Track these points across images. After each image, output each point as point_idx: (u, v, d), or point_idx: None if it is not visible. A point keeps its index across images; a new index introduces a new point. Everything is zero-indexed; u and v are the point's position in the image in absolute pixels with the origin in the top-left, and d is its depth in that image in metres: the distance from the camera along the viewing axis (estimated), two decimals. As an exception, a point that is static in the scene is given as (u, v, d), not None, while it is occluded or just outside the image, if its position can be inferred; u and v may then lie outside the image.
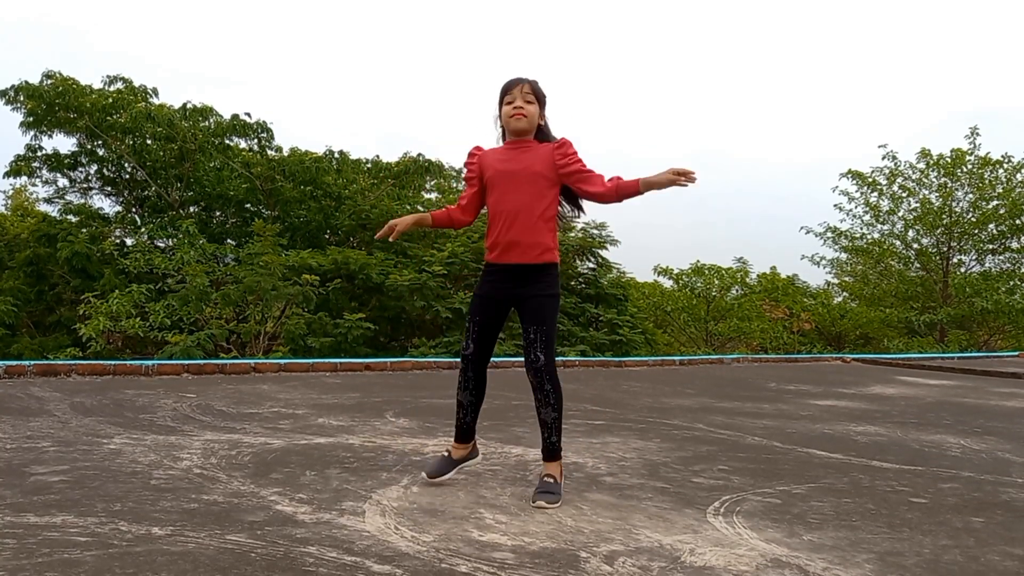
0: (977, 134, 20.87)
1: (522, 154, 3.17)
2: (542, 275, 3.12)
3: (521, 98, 3.12)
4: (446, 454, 3.31)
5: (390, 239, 3.26)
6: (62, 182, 18.41)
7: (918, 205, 21.48)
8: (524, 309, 3.13)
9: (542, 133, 3.23)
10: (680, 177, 2.95)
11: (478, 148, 3.30)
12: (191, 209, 17.96)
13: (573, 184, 3.15)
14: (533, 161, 3.14)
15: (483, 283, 3.23)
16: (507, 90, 3.16)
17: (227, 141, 17.86)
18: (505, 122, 3.18)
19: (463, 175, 3.32)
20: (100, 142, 17.21)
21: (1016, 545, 2.78)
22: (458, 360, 3.82)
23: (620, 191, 3.08)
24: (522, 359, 3.36)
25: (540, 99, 3.18)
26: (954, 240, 21.48)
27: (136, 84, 17.59)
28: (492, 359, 3.38)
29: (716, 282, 21.33)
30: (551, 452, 3.18)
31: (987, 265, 21.97)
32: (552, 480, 3.11)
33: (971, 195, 21.11)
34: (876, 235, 22.18)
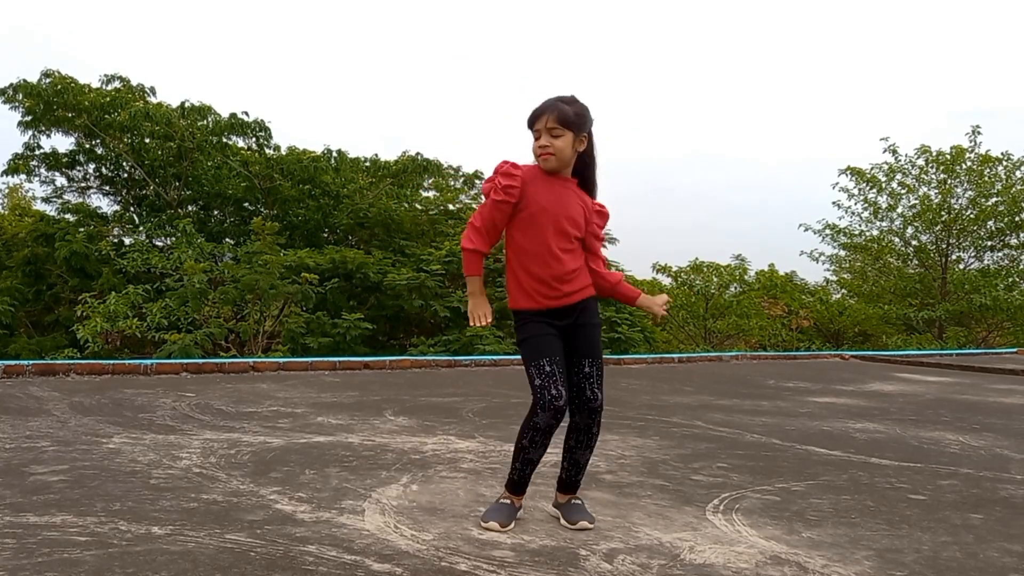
0: (979, 133, 20.90)
1: (565, 192, 2.78)
2: (590, 303, 2.83)
3: (546, 134, 2.70)
4: (508, 502, 2.82)
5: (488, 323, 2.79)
6: (60, 181, 18.40)
7: (917, 202, 21.49)
8: (576, 338, 2.77)
9: (583, 163, 2.83)
10: (661, 305, 2.87)
11: (514, 166, 2.76)
12: (189, 208, 17.95)
13: (586, 246, 2.85)
14: (576, 207, 2.79)
15: (535, 323, 2.76)
16: (530, 125, 2.76)
17: (225, 140, 17.85)
18: (536, 159, 2.78)
19: (492, 193, 2.75)
20: (98, 141, 17.19)
21: (1014, 541, 2.78)
22: (456, 359, 3.75)
23: (617, 291, 2.90)
24: (520, 356, 3.13)
25: (570, 124, 2.70)
26: (953, 237, 21.49)
27: (134, 83, 17.57)
28: (493, 357, 3.32)
29: (715, 279, 21.34)
30: (576, 487, 2.90)
31: (986, 262, 22.00)
32: (580, 502, 2.89)
33: (970, 192, 21.13)
34: (875, 232, 22.21)
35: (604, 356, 3.17)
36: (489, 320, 2.78)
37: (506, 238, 2.82)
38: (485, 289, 2.84)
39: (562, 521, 2.81)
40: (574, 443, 2.82)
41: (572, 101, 2.75)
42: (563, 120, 2.69)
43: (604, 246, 2.96)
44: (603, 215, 2.90)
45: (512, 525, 2.73)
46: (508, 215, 2.74)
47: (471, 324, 2.84)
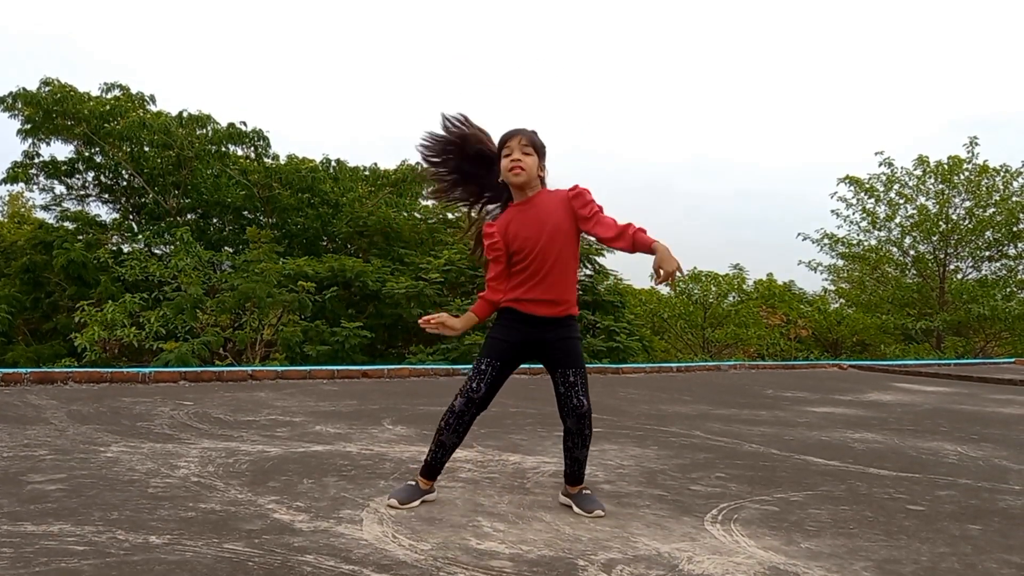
0: (976, 144, 20.98)
1: (538, 212, 3.03)
2: (569, 321, 3.06)
3: (519, 150, 3.00)
4: (414, 483, 3.11)
5: (434, 331, 3.08)
6: (59, 189, 18.44)
7: (915, 212, 21.55)
8: (556, 351, 3.02)
9: (542, 185, 3.12)
10: (664, 273, 2.83)
11: (491, 224, 3.11)
12: (188, 216, 17.98)
13: (586, 229, 3.03)
14: (552, 217, 3.01)
15: (502, 326, 3.07)
16: (503, 144, 3.04)
17: (224, 149, 17.89)
18: (504, 175, 3.05)
19: (482, 253, 3.13)
20: (97, 149, 17.23)
21: (1013, 552, 2.78)
22: (455, 367, 3.78)
23: (636, 243, 2.93)
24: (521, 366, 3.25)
25: (539, 150, 3.05)
26: (951, 247, 21.55)
27: (134, 91, 17.62)
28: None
29: (713, 289, 21.39)
30: (580, 479, 3.15)
31: (983, 272, 22.05)
32: (589, 492, 3.16)
33: (968, 202, 21.19)
34: (873, 241, 22.26)
35: (603, 365, 3.32)
36: (433, 322, 3.04)
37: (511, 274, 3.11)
38: (468, 323, 3.10)
39: (576, 510, 3.05)
40: (571, 444, 3.08)
41: (534, 132, 3.09)
42: (533, 143, 3.04)
43: (606, 212, 3.06)
44: (579, 195, 3.05)
45: (415, 504, 3.02)
46: (503, 264, 3.08)
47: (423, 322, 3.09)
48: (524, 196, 3.07)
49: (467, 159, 3.19)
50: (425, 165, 3.28)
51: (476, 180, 3.22)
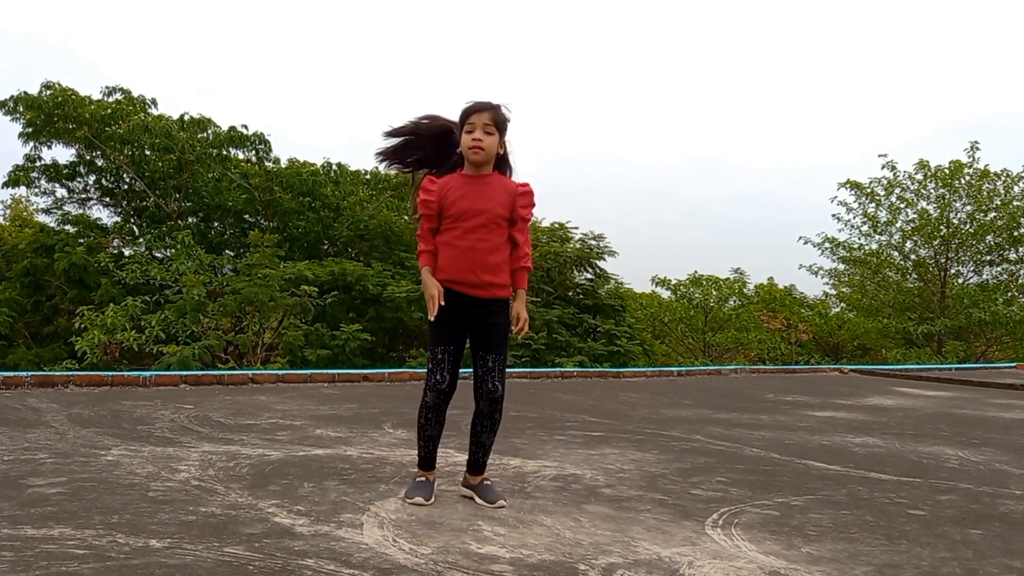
0: (977, 148, 20.98)
1: (483, 189, 3.06)
2: (501, 304, 3.11)
3: (481, 129, 3.00)
4: (424, 480, 3.20)
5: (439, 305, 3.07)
6: (60, 192, 18.46)
7: (916, 216, 21.54)
8: (483, 335, 3.09)
9: (502, 161, 3.15)
10: (522, 319, 3.11)
11: (432, 181, 3.12)
12: (190, 219, 17.99)
13: (511, 229, 3.10)
14: (496, 202, 3.05)
15: (443, 309, 3.05)
16: (466, 117, 3.04)
17: (225, 152, 17.91)
18: (464, 151, 3.06)
19: (417, 207, 3.15)
20: (99, 152, 17.25)
21: (1014, 557, 2.78)
22: None
23: (517, 272, 3.14)
24: (518, 369, 3.31)
25: (501, 127, 3.05)
26: (952, 251, 21.54)
27: (135, 95, 17.64)
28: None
29: (714, 293, 21.37)
30: (482, 468, 3.24)
31: (984, 276, 22.03)
32: (489, 482, 3.24)
33: (969, 206, 21.19)
34: (874, 246, 22.25)
35: (604, 369, 3.35)
36: (437, 300, 3.03)
37: (437, 238, 3.14)
38: (434, 275, 3.11)
39: (478, 501, 3.14)
40: (479, 428, 3.15)
41: (502, 106, 3.07)
42: (497, 121, 3.04)
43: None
44: (525, 195, 3.12)
45: (433, 500, 3.11)
46: (435, 224, 3.11)
47: (430, 313, 3.06)
48: (477, 171, 3.10)
49: (427, 144, 3.23)
50: (391, 171, 3.33)
51: (437, 156, 3.24)
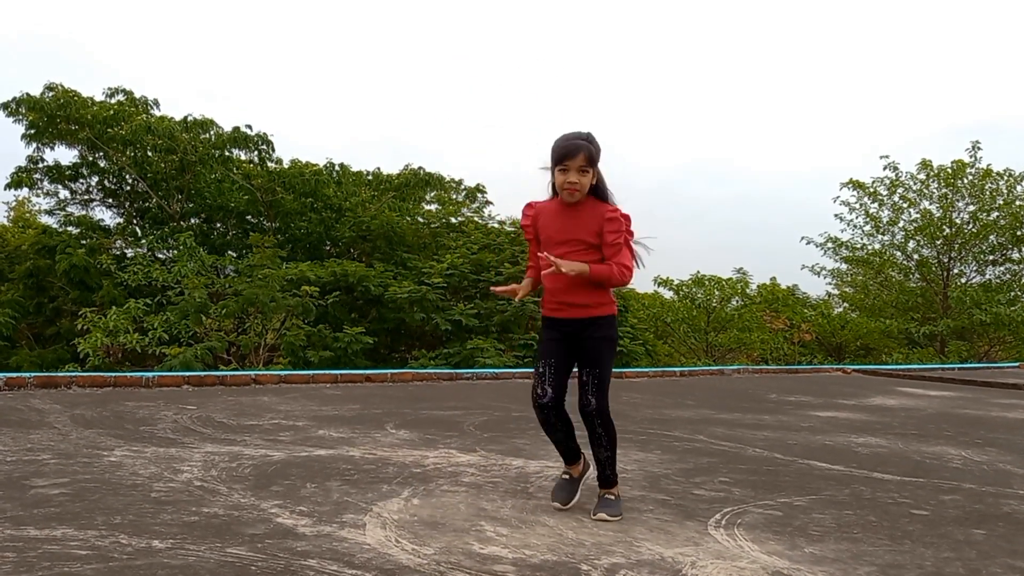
0: (979, 148, 20.95)
1: (576, 217, 3.11)
2: (601, 320, 3.15)
3: (576, 172, 3.02)
4: (567, 477, 3.31)
5: (515, 300, 3.31)
6: (63, 194, 18.45)
7: (918, 216, 21.51)
8: (581, 351, 3.16)
9: (598, 189, 3.14)
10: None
11: (531, 206, 3.26)
12: (192, 221, 17.98)
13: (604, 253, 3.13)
14: (586, 229, 3.09)
15: (546, 330, 3.23)
16: (560, 159, 3.05)
17: (227, 153, 17.91)
18: (558, 190, 3.11)
19: (522, 233, 3.37)
20: (101, 154, 17.25)
21: (1018, 558, 2.77)
22: (457, 372, 3.82)
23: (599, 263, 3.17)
24: (521, 370, 3.33)
25: (595, 161, 3.06)
26: (954, 251, 21.50)
27: (137, 96, 17.65)
28: (494, 370, 3.39)
29: (716, 293, 21.33)
30: (606, 481, 3.22)
31: (987, 276, 21.98)
32: (612, 497, 3.18)
33: (971, 206, 21.15)
34: (876, 245, 22.21)
35: None
36: (508, 291, 3.25)
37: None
38: (528, 288, 3.30)
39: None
40: (591, 443, 3.20)
41: (592, 139, 3.07)
42: (591, 158, 3.04)
43: (640, 246, 3.27)
44: (612, 220, 3.09)
45: (571, 504, 3.21)
46: (536, 244, 3.25)
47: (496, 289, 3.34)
48: (571, 200, 3.12)
49: None
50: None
51: None
